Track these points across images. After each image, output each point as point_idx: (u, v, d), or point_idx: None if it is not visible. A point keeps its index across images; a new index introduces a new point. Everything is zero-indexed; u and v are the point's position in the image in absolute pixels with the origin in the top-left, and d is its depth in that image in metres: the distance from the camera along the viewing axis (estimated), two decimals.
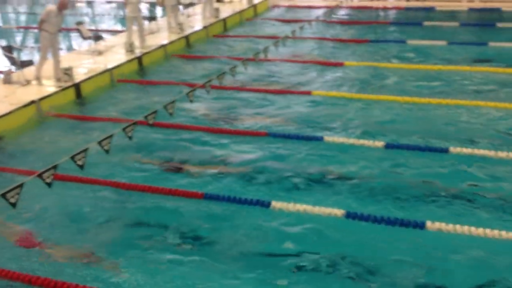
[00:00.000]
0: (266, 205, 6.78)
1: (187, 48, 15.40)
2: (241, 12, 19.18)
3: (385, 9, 20.55)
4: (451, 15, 18.52)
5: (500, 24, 16.58)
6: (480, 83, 11.39)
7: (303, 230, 6.41)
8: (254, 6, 20.22)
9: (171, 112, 8.42)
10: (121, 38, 14.97)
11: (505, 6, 18.98)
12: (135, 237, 6.41)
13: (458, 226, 6.05)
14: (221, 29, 17.55)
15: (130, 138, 7.43)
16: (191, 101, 9.38)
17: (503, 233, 5.92)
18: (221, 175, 7.85)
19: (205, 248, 6.18)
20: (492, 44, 14.19)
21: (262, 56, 12.50)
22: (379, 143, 8.42)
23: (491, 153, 7.92)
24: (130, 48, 13.69)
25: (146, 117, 7.80)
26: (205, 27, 16.75)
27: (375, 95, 10.74)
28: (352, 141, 8.58)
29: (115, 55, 13.62)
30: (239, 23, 18.58)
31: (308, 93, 11.05)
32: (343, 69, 12.75)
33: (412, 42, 14.90)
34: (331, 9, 19.62)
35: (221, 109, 10.43)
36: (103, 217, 6.84)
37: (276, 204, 6.76)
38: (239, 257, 5.97)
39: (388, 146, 8.34)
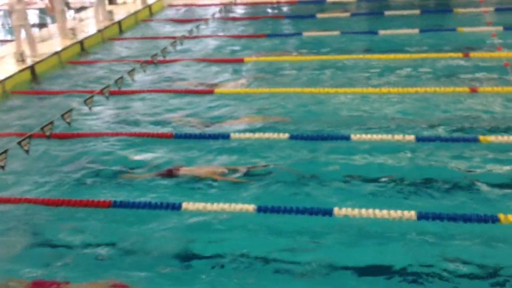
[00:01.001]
0: (177, 207, 6.72)
1: (82, 53, 14.91)
2: (136, 13, 18.81)
3: (278, 3, 20.91)
4: (342, 5, 19.13)
5: (387, 13, 17.37)
6: (373, 70, 11.82)
7: (217, 228, 6.42)
8: (149, 6, 19.91)
9: (69, 121, 8.15)
10: (11, 48, 14.22)
11: None
12: (43, 253, 6.17)
13: (363, 210, 6.29)
14: (117, 32, 17.12)
15: (26, 152, 7.12)
16: (90, 108, 9.13)
17: (405, 213, 6.22)
18: (129, 181, 7.69)
19: (120, 256, 6.04)
20: (382, 32, 14.84)
21: (160, 57, 12.36)
22: (284, 135, 8.57)
23: (388, 137, 8.28)
24: (20, 57, 13.05)
25: (42, 128, 7.49)
26: (99, 31, 16.28)
27: (276, 88, 10.90)
28: (257, 135, 8.67)
29: (5, 65, 12.94)
30: (135, 25, 18.22)
31: (210, 91, 11.03)
32: (244, 65, 12.85)
33: (308, 34, 15.27)
34: (226, 6, 19.70)
35: (123, 114, 10.18)
36: (8, 235, 6.54)
37: (187, 206, 6.71)
38: (156, 260, 5.89)
39: (292, 138, 8.51)
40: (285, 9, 20.07)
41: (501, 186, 6.95)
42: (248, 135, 8.72)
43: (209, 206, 6.64)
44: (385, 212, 6.23)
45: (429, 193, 6.83)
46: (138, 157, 8.34)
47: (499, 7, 16.93)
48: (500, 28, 14.23)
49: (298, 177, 7.40)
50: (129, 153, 8.48)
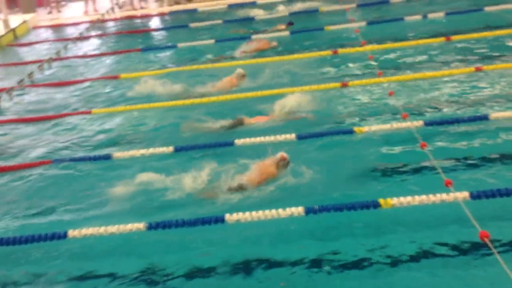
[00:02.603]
0: (63, 236, 6.42)
1: None
2: None
3: (149, 16, 20.72)
4: (213, 14, 19.32)
5: (258, 18, 17.79)
6: (247, 73, 11.94)
7: (108, 249, 6.31)
8: (13, 30, 18.91)
9: None
10: None
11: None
12: None
13: (254, 213, 6.36)
14: None
15: None
16: None
17: (293, 209, 6.34)
18: (8, 214, 7.29)
19: None
20: (254, 36, 15.13)
21: (27, 82, 11.78)
22: (169, 149, 8.50)
23: (270, 138, 8.43)
24: None
25: None
26: None
27: (159, 103, 10.73)
28: (141, 151, 8.53)
29: None
30: None
31: (88, 112, 10.67)
32: (120, 82, 12.53)
33: (183, 44, 15.23)
34: (94, 23, 19.21)
35: None
36: None
37: (73, 233, 6.43)
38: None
39: (177, 150, 8.48)
40: (157, 21, 19.94)
41: (376, 172, 7.35)
42: (131, 152, 8.55)
43: (96, 231, 6.40)
44: (274, 211, 6.32)
45: (314, 188, 7.04)
46: (16, 190, 7.91)
47: (360, 3, 17.93)
48: (363, 23, 15.09)
49: (185, 189, 7.32)
50: (5, 187, 8.03)
